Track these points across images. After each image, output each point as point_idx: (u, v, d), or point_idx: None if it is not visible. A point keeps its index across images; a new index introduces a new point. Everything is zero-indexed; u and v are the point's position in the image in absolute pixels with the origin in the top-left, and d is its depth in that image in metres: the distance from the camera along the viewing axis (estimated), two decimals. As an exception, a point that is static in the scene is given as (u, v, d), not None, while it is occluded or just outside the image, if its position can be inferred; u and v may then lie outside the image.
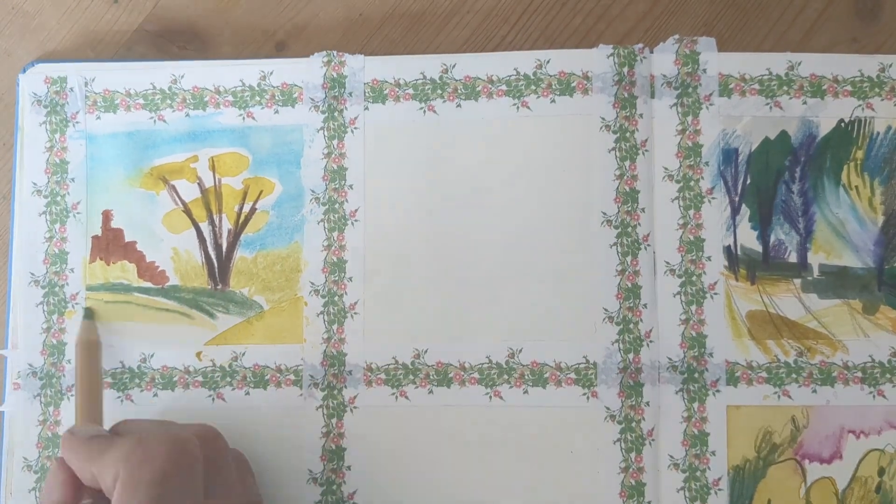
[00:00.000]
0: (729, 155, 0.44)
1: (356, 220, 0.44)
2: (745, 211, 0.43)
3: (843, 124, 0.44)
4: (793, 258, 0.43)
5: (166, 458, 0.34)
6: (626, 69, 0.44)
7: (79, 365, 0.41)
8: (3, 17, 0.47)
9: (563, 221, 0.43)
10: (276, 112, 0.45)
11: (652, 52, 0.44)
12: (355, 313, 0.44)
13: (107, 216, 0.45)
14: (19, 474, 0.43)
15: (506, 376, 0.43)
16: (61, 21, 0.47)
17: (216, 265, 0.45)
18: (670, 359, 0.43)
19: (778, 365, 0.42)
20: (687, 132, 0.44)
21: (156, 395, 0.44)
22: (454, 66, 0.45)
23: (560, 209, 0.44)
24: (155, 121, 0.45)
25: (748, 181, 0.44)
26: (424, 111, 0.45)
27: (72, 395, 0.44)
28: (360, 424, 0.43)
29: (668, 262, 0.43)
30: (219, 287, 0.44)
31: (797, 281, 0.43)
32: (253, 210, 0.45)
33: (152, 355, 0.44)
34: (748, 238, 0.43)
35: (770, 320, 0.43)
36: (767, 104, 0.44)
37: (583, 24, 0.46)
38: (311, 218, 0.45)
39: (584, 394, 0.42)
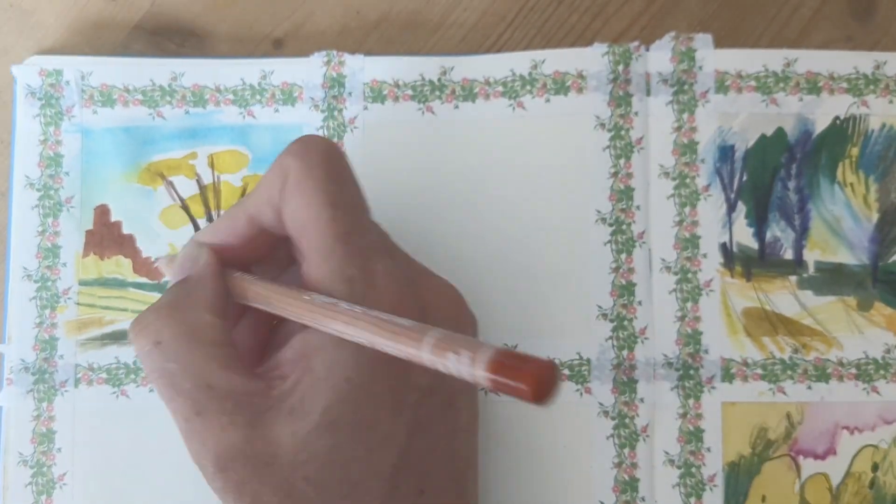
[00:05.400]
0: (725, 152, 0.44)
1: (353, 217, 0.44)
2: (740, 208, 0.44)
3: (838, 121, 0.44)
4: (788, 255, 0.43)
5: (327, 143, 0.33)
6: (621, 67, 0.44)
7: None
8: (-1, 13, 0.47)
9: (558, 219, 0.44)
10: (277, 111, 0.45)
11: (648, 49, 0.44)
12: (352, 310, 0.44)
13: (101, 211, 0.45)
14: (15, 469, 0.43)
15: (501, 372, 0.43)
16: (58, 18, 0.47)
17: (213, 261, 0.45)
18: (665, 356, 0.43)
19: (773, 362, 0.43)
20: (683, 129, 0.44)
21: (152, 390, 0.44)
22: (452, 68, 0.45)
23: (555, 207, 0.44)
24: (153, 117, 0.45)
25: (744, 178, 0.44)
26: (423, 112, 0.45)
27: (66, 391, 0.44)
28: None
29: (663, 260, 0.43)
30: (216, 283, 0.44)
31: (793, 278, 0.43)
32: (250, 207, 0.45)
33: (148, 351, 0.44)
34: (744, 235, 0.43)
35: (765, 317, 0.43)
36: (764, 101, 0.44)
37: (579, 21, 0.46)
38: (307, 215, 0.45)
39: (578, 389, 0.43)
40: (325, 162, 0.32)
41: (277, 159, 0.33)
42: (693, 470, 0.42)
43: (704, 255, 0.43)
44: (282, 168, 0.32)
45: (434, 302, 0.34)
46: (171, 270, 0.35)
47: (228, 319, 0.33)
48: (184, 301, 0.31)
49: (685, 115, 0.44)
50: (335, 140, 0.45)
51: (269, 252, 0.35)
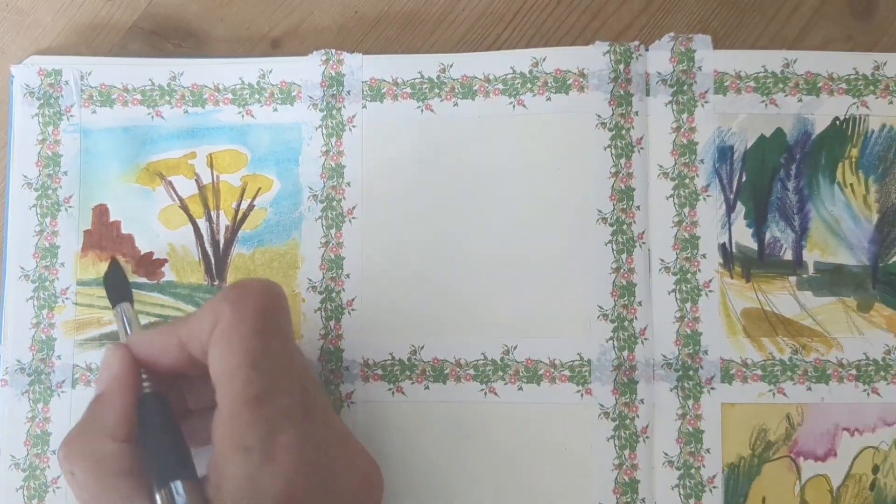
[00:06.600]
0: (724, 152, 0.44)
1: (354, 218, 0.44)
2: (740, 208, 0.44)
3: (837, 122, 0.44)
4: (788, 256, 0.43)
5: (266, 293, 0.34)
6: (622, 66, 0.44)
7: None
8: (-4, 14, 0.47)
9: (559, 219, 0.44)
10: (275, 110, 0.45)
11: (647, 49, 0.44)
12: (353, 310, 0.44)
13: (100, 210, 0.45)
14: (6, 473, 0.43)
15: (500, 373, 0.43)
16: (55, 19, 0.47)
17: (213, 261, 0.45)
18: (665, 356, 0.43)
19: (773, 363, 0.43)
20: (682, 130, 0.44)
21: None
22: (451, 65, 0.45)
23: (555, 207, 0.44)
24: (153, 117, 0.45)
25: (743, 179, 0.44)
26: (422, 110, 0.45)
27: (63, 392, 0.44)
28: (357, 420, 0.43)
29: (662, 260, 0.43)
30: (216, 283, 0.44)
31: (792, 278, 0.43)
32: (251, 207, 0.45)
33: (146, 352, 0.44)
34: (743, 235, 0.43)
35: (765, 318, 0.43)
36: (763, 102, 0.44)
37: (578, 21, 0.46)
38: (308, 215, 0.44)
39: (578, 391, 0.42)
40: (257, 314, 0.33)
41: (213, 300, 0.34)
42: (692, 471, 0.42)
43: (704, 256, 0.43)
44: (214, 312, 0.33)
45: (342, 472, 0.35)
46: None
47: (132, 442, 0.34)
48: (91, 428, 0.34)
49: (684, 116, 0.44)
50: (334, 139, 0.45)
51: (196, 372, 0.35)
